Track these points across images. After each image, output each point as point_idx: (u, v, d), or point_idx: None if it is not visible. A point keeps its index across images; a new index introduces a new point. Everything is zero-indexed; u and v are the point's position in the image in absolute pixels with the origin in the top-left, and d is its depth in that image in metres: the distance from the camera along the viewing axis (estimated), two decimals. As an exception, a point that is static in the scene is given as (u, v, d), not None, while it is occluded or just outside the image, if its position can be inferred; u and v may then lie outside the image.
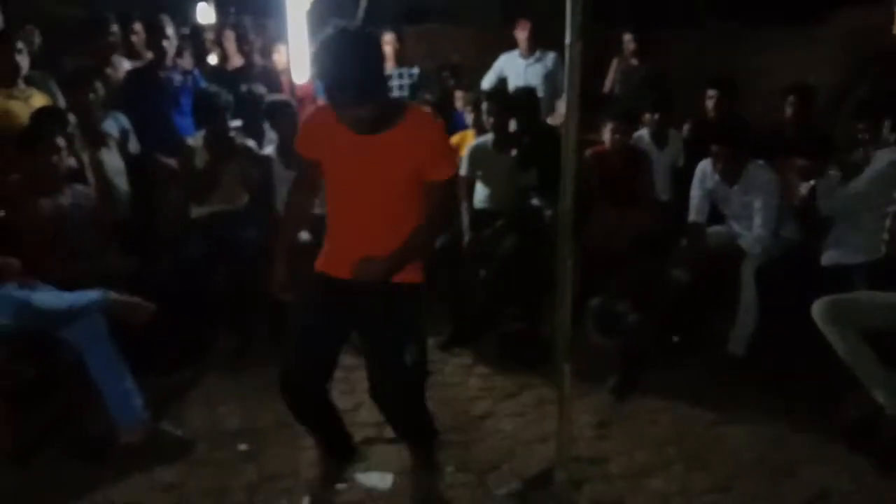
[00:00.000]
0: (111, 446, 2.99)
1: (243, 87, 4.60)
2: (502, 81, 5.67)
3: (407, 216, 2.38)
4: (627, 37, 5.74)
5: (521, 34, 5.73)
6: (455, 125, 5.09)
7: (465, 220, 4.15)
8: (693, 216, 3.94)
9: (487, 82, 5.78)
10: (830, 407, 3.25)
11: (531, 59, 5.72)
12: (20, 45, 3.88)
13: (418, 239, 2.40)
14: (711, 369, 3.69)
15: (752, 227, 3.75)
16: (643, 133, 4.51)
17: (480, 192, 4.33)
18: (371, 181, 2.34)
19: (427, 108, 5.12)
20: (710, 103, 4.59)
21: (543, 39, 5.69)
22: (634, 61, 5.76)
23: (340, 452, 2.93)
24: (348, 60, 2.09)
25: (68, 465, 2.99)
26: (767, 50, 6.75)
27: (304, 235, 3.89)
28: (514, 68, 5.71)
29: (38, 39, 4.64)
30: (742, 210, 3.81)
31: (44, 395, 3.15)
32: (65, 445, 3.09)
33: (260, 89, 4.63)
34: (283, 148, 4.23)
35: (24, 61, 3.90)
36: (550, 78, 5.68)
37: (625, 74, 5.79)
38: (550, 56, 5.71)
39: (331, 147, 2.36)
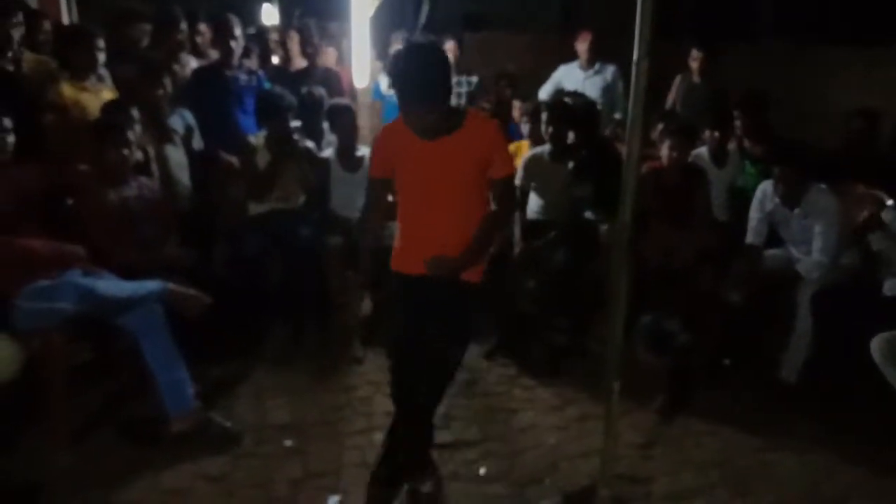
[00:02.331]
0: (162, 433, 3.07)
1: (303, 89, 4.67)
2: (560, 93, 5.65)
3: (472, 212, 2.66)
4: (695, 53, 5.59)
5: (582, 46, 5.70)
6: (510, 135, 5.10)
7: (518, 229, 4.16)
8: (750, 238, 3.87)
9: (545, 93, 5.76)
10: (884, 439, 3.17)
11: (590, 72, 5.69)
12: (101, 42, 4.01)
13: (483, 235, 2.66)
14: (761, 394, 3.62)
15: (810, 252, 3.67)
16: (702, 151, 4.44)
17: (534, 203, 4.33)
18: (439, 182, 2.60)
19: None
20: (738, 123, 4.50)
21: (603, 51, 5.66)
22: (697, 79, 5.65)
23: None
24: (420, 72, 2.37)
25: (119, 448, 3.10)
26: (830, 70, 6.58)
27: (338, 240, 4.00)
28: (573, 80, 5.68)
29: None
30: (801, 234, 3.74)
31: (99, 378, 3.26)
32: (117, 428, 3.19)
33: (319, 91, 4.69)
34: (343, 150, 4.31)
35: (101, 57, 4.04)
36: (609, 91, 5.65)
37: (688, 92, 5.67)
38: (610, 69, 5.68)
39: (402, 156, 2.63)
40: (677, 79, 5.77)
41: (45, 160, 3.47)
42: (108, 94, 4.09)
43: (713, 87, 5.47)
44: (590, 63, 5.71)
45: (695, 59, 5.60)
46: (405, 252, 2.76)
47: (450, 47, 5.58)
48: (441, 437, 3.22)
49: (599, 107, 5.18)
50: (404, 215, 2.75)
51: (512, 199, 2.91)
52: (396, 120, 2.61)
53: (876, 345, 3.04)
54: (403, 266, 2.76)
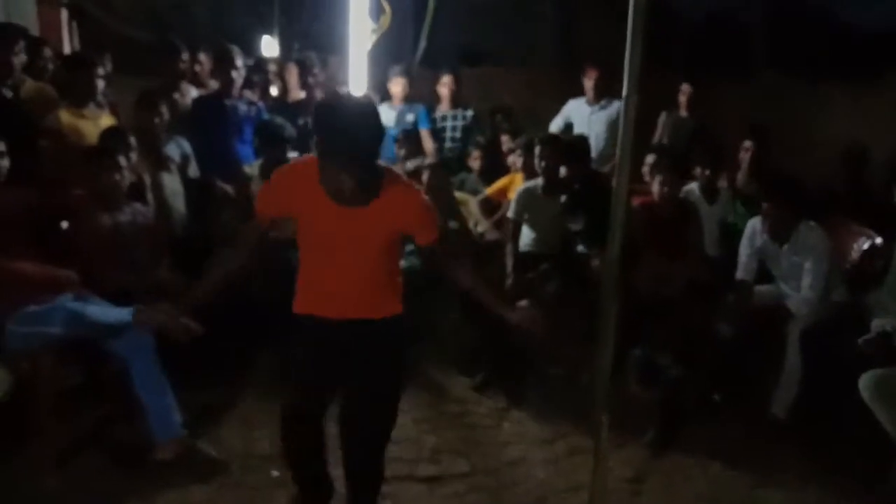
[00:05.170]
0: (148, 459, 3.05)
1: (300, 121, 4.71)
2: (570, 127, 5.74)
3: (380, 271, 2.43)
4: (685, 87, 5.67)
5: (589, 82, 5.72)
6: (498, 169, 5.23)
7: (510, 261, 4.17)
8: (741, 274, 3.89)
9: (555, 126, 5.84)
10: (874, 477, 3.16)
11: (596, 108, 5.71)
12: (101, 70, 4.06)
13: (480, 294, 2.51)
14: (752, 430, 3.60)
15: (799, 289, 3.69)
16: (693, 187, 4.48)
17: (526, 236, 4.36)
18: (351, 247, 2.34)
19: (476, 151, 5.25)
20: (744, 155, 4.54)
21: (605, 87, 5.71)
22: (685, 113, 5.72)
23: (319, 495, 2.82)
24: (354, 130, 2.10)
25: (106, 473, 3.07)
26: (825, 106, 6.64)
27: None
28: (580, 115, 5.73)
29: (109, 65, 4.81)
30: (791, 271, 3.76)
31: (87, 401, 3.24)
32: (104, 453, 3.17)
33: (316, 122, 4.72)
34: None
35: (101, 85, 4.08)
36: (614, 126, 5.69)
37: (675, 127, 5.72)
38: (615, 104, 5.68)
39: (308, 212, 2.33)
40: (663, 115, 5.81)
41: (40, 184, 3.49)
42: (106, 120, 4.13)
43: (700, 123, 5.53)
44: (597, 99, 5.73)
45: (684, 94, 5.66)
46: (311, 296, 2.51)
47: (447, 81, 5.66)
48: (429, 470, 3.21)
49: (603, 142, 5.25)
50: (308, 265, 2.49)
51: (457, 254, 2.57)
52: (308, 164, 2.27)
53: (864, 382, 3.04)
54: (313, 309, 2.50)
